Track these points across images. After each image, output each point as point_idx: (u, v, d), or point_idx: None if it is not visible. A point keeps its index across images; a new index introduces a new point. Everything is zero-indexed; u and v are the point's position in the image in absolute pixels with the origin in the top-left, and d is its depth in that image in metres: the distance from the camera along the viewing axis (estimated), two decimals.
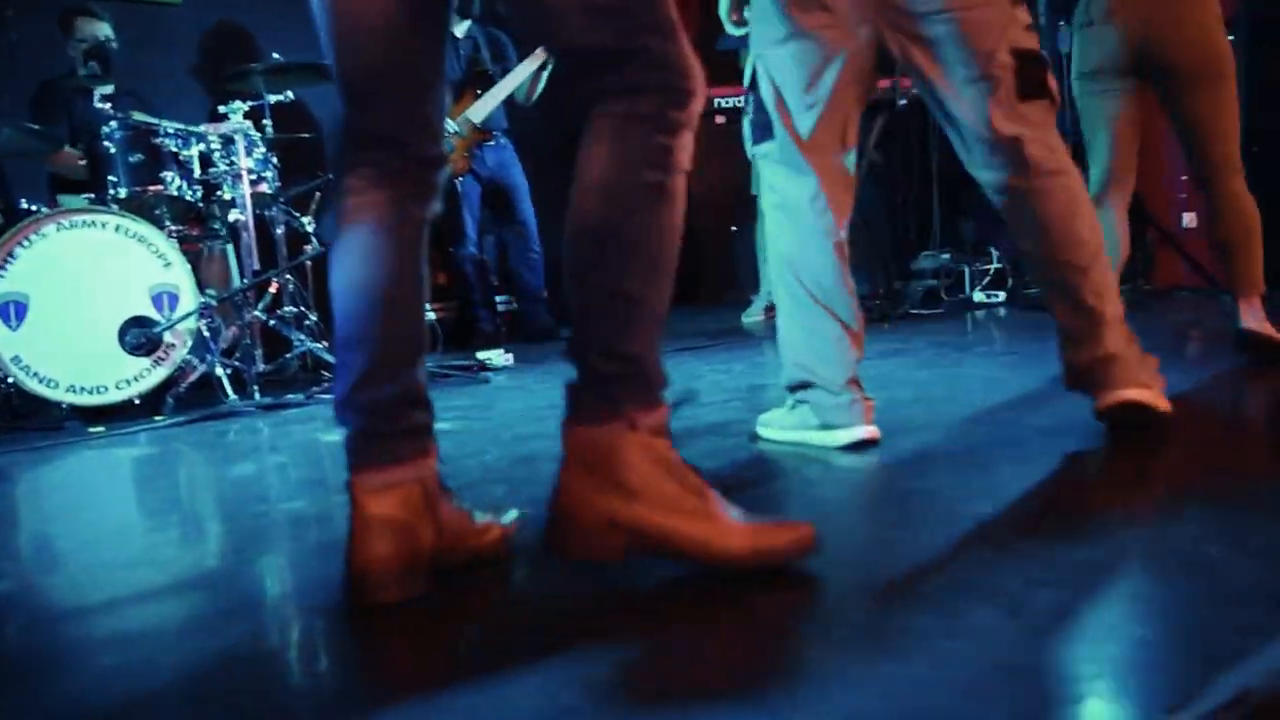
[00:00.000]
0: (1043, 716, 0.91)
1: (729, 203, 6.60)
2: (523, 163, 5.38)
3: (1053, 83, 1.97)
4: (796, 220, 2.15)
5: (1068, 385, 2.05)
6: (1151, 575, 1.28)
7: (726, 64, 5.92)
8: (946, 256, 5.42)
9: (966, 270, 5.35)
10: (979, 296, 5.26)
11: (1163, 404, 1.95)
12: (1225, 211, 2.73)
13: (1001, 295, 5.23)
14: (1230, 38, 3.13)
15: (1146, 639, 1.09)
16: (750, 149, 2.30)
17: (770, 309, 5.17)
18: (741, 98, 5.06)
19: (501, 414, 2.96)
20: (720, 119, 6.41)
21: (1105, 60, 2.77)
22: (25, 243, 3.46)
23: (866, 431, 2.08)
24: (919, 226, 5.95)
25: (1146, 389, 1.94)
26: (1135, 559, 1.33)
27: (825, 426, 2.10)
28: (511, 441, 2.54)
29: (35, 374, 3.42)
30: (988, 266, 5.39)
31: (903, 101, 4.65)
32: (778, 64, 2.09)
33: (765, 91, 2.14)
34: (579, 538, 1.29)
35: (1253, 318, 2.75)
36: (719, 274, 6.99)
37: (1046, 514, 1.56)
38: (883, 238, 5.59)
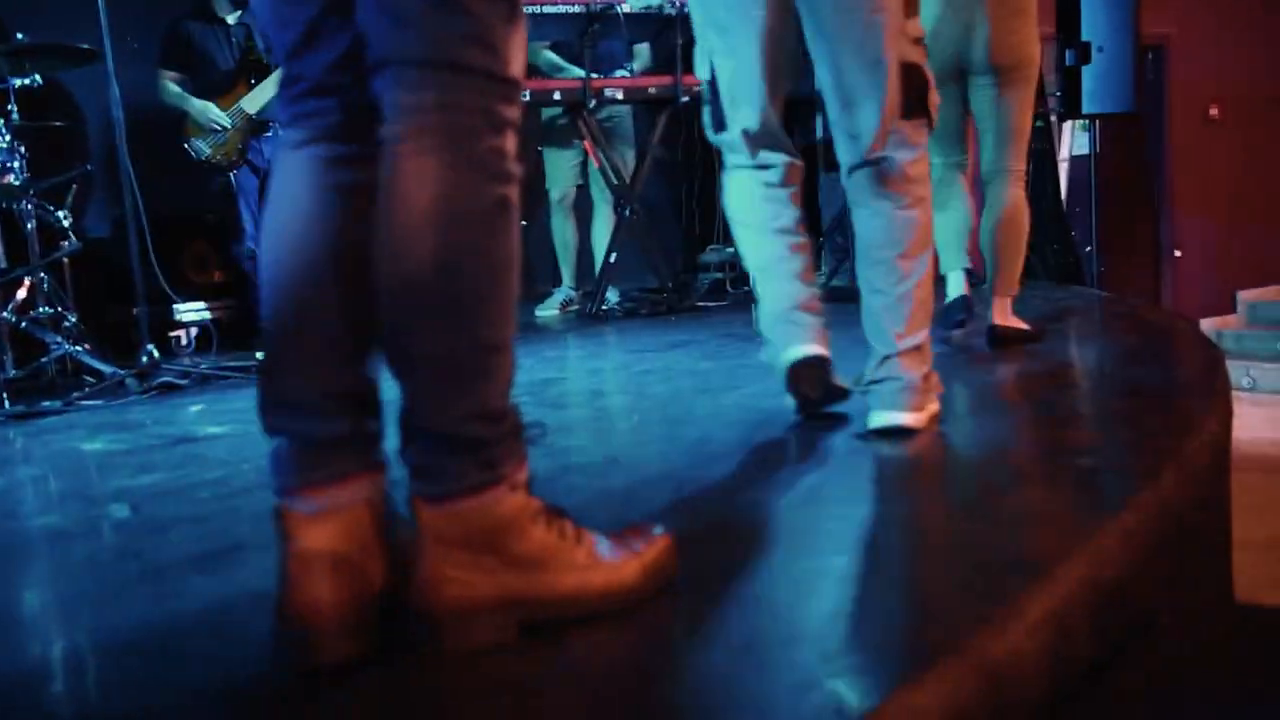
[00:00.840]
0: (783, 695, 0.95)
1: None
2: None
3: (933, 101, 1.99)
4: None
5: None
6: (902, 548, 1.36)
7: None
8: (731, 250, 5.58)
9: None
10: None
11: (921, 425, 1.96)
12: (1002, 214, 3.00)
13: None
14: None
15: (894, 609, 1.16)
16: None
17: (567, 303, 5.18)
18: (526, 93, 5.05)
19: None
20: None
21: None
22: None
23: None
24: (704, 220, 6.11)
25: (911, 413, 1.94)
26: (889, 531, 1.42)
27: None
28: None
29: None
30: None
31: (685, 98, 4.76)
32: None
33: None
34: (461, 627, 1.08)
35: (1001, 314, 2.99)
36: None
37: (808, 495, 1.63)
38: (670, 231, 5.71)
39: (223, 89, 4.86)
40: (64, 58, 3.99)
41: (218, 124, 4.78)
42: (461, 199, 1.06)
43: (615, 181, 4.92)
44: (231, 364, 3.89)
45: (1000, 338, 2.96)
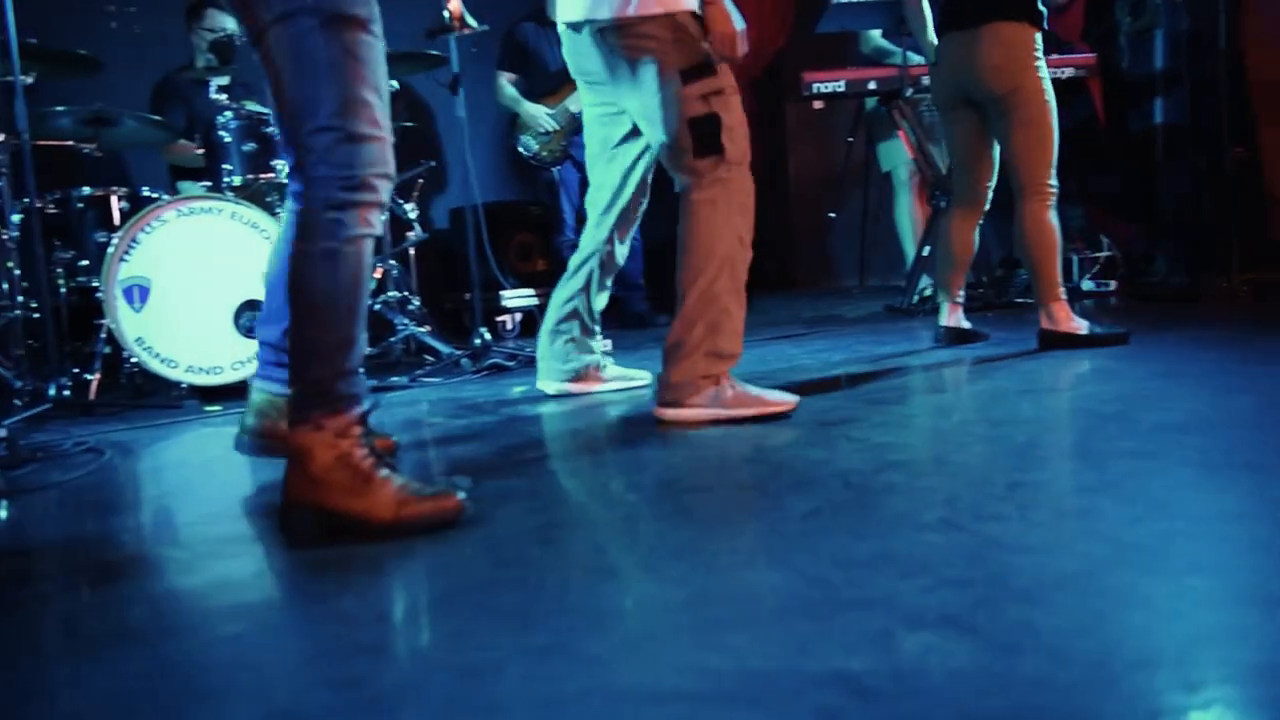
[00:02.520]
0: None
1: (823, 189, 6.53)
2: None
3: (725, 139, 2.47)
4: None
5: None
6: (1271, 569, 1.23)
7: (826, 48, 5.86)
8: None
9: (1075, 259, 5.20)
10: (1088, 285, 5.11)
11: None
12: (1022, 228, 3.24)
13: (1112, 285, 5.08)
14: None
15: (1269, 636, 1.05)
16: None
17: (925, 299, 5.06)
18: (842, 82, 4.99)
19: (604, 402, 2.98)
20: (818, 104, 6.33)
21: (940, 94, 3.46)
22: (147, 229, 3.59)
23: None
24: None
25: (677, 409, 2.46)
26: (1256, 553, 1.29)
27: None
28: (609, 427, 2.56)
29: (156, 354, 3.55)
30: (1098, 255, 5.23)
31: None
32: None
33: None
34: (285, 515, 1.69)
35: (1047, 318, 3.25)
36: (813, 262, 6.91)
37: (1151, 508, 1.51)
38: (988, 225, 5.46)
39: (550, 89, 5.11)
40: (412, 62, 4.33)
41: (546, 127, 5.05)
42: (302, 248, 1.70)
43: (931, 171, 4.77)
44: None
45: (1047, 342, 3.23)
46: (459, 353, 3.91)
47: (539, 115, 5.07)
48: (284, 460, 1.70)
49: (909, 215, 5.25)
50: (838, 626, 1.13)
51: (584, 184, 5.33)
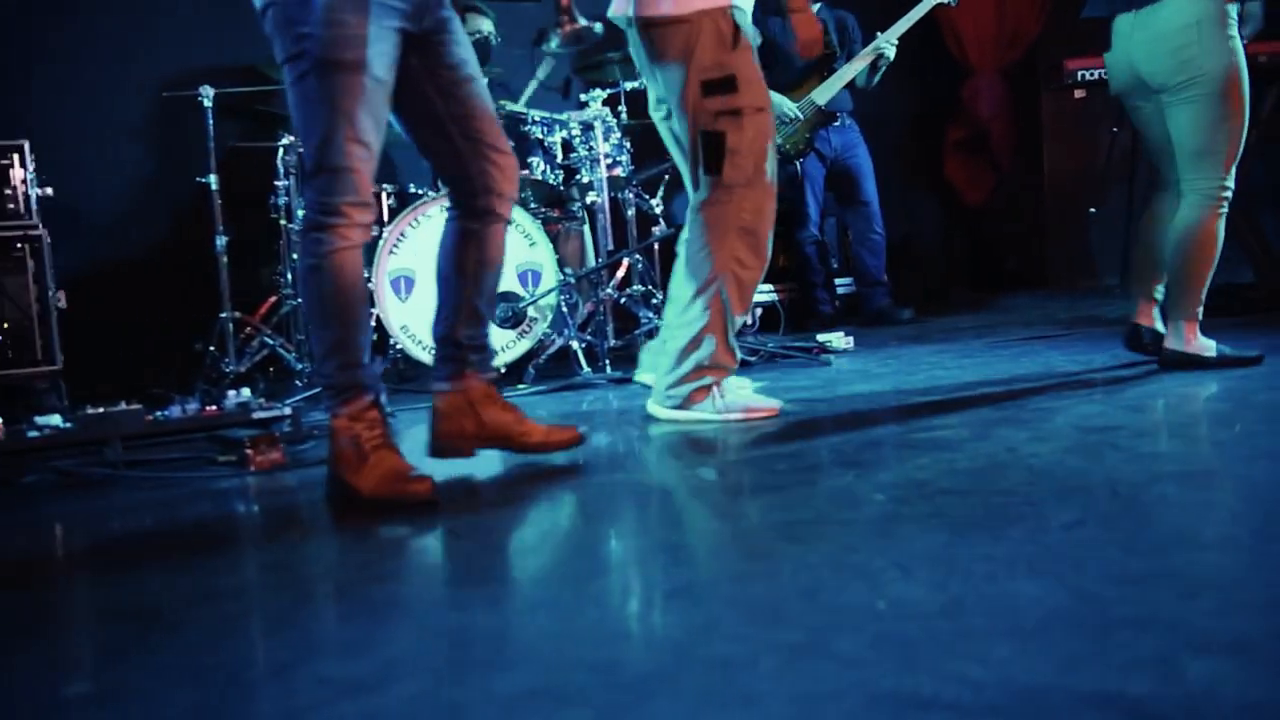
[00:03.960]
0: None
1: (1082, 183, 6.15)
2: (868, 144, 5.30)
3: (727, 162, 2.53)
4: None
5: None
6: None
7: (1093, 33, 5.52)
8: None
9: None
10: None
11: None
12: (1179, 234, 2.86)
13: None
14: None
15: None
16: None
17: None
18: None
19: (845, 397, 2.93)
20: (1079, 93, 5.98)
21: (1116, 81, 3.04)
22: (414, 224, 3.82)
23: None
24: None
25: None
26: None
27: None
28: (857, 425, 2.51)
29: (419, 341, 3.78)
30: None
31: None
32: None
33: None
34: (327, 490, 2.05)
35: (1174, 337, 2.93)
36: (1069, 259, 6.54)
37: None
38: (1270, 219, 5.01)
39: (795, 82, 5.07)
40: None
41: (788, 116, 5.01)
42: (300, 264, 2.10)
43: None
44: (794, 344, 4.07)
45: (1168, 362, 2.93)
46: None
47: (783, 104, 5.04)
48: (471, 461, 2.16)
49: None
50: (1111, 645, 1.06)
51: (828, 177, 5.28)
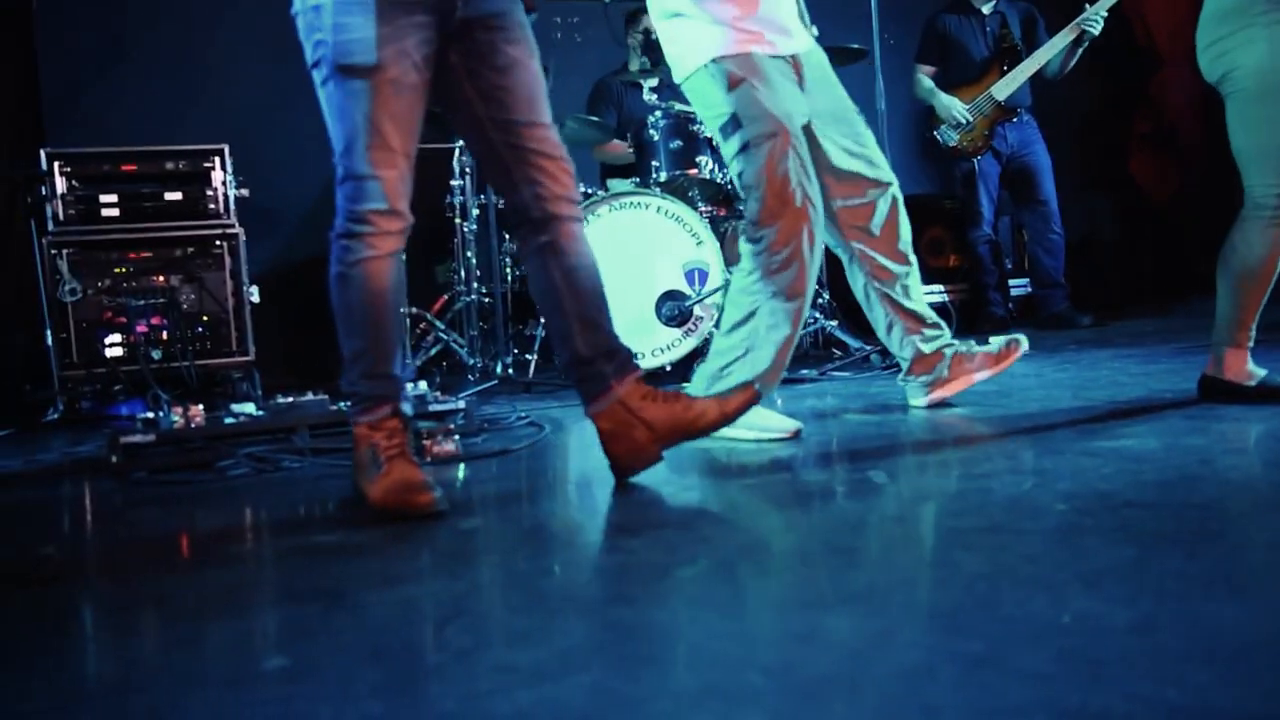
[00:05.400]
0: None
1: None
2: (1046, 140, 5.11)
3: (753, 200, 2.53)
4: None
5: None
6: None
7: None
8: None
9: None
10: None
11: None
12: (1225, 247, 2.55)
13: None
14: None
15: None
16: None
17: None
18: None
19: (1019, 403, 2.83)
20: None
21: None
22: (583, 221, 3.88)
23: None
24: None
25: None
26: None
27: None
28: (1033, 431, 2.42)
29: None
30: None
31: None
32: None
33: None
34: (354, 481, 2.10)
35: (1214, 363, 2.58)
36: None
37: None
38: None
39: (975, 77, 4.94)
40: (837, 57, 4.33)
41: (960, 119, 4.88)
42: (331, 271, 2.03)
43: None
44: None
45: (1205, 389, 2.60)
46: (869, 348, 3.88)
47: (953, 107, 4.91)
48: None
49: None
50: None
51: (1004, 175, 5.11)
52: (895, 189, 2.76)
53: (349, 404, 2.09)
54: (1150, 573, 1.34)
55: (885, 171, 2.75)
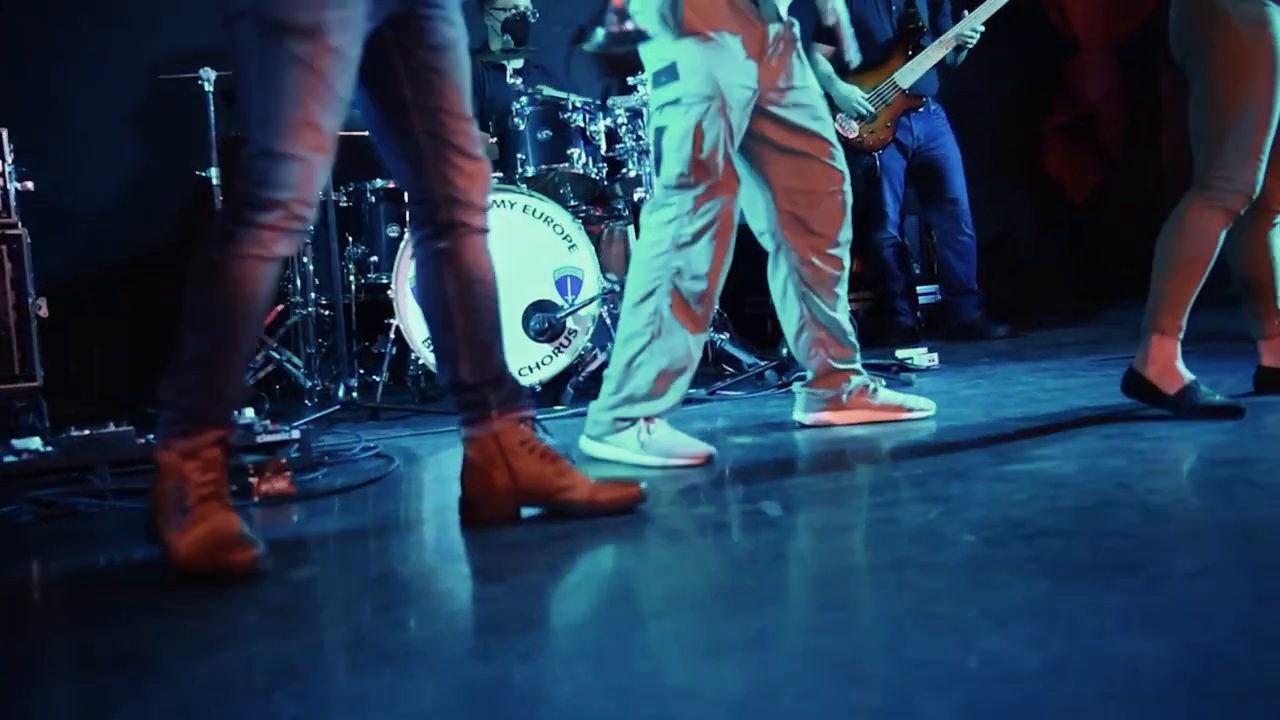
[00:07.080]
0: None
1: None
2: (956, 132, 5.27)
3: (666, 161, 2.62)
4: None
5: None
6: None
7: None
8: None
9: None
10: None
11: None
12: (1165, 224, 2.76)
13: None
14: None
15: None
16: None
17: None
18: None
19: (927, 423, 2.91)
20: None
21: None
22: None
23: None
24: None
25: None
26: None
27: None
28: (942, 455, 2.50)
29: None
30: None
31: None
32: None
33: None
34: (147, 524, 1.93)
35: (1142, 360, 2.69)
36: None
37: None
38: None
39: (878, 61, 5.05)
40: None
41: (860, 109, 5.01)
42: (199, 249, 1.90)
43: None
44: (869, 361, 4.05)
45: (1126, 382, 2.73)
46: (763, 364, 3.94)
47: (853, 96, 5.04)
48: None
49: None
50: (1245, 716, 1.05)
51: (909, 171, 5.25)
52: (846, 185, 2.84)
53: (160, 422, 1.89)
54: (1064, 608, 1.39)
55: (839, 162, 2.83)
